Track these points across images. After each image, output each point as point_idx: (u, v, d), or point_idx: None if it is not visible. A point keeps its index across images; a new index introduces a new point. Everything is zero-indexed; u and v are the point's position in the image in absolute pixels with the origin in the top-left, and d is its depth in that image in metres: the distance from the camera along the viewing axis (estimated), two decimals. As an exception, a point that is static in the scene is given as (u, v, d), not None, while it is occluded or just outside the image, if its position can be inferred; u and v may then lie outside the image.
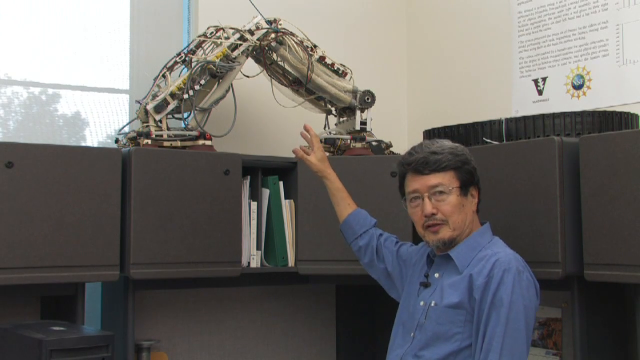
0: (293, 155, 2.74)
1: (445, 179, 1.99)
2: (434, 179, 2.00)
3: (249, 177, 2.61)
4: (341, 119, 2.87)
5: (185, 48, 2.71)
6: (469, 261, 1.98)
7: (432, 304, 1.99)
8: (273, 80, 2.78)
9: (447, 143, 2.06)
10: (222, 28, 2.63)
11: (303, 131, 2.41)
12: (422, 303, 2.03)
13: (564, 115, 2.34)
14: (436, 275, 2.05)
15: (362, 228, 2.32)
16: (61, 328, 2.05)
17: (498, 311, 1.86)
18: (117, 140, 2.66)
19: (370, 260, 2.31)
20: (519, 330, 1.86)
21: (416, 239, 2.34)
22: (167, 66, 2.64)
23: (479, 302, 1.90)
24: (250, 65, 2.74)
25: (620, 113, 2.37)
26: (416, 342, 2.00)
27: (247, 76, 2.76)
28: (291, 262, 2.65)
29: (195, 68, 2.52)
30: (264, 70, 2.75)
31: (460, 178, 2.01)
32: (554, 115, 2.35)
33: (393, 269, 2.26)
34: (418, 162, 2.01)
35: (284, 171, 2.70)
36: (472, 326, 1.91)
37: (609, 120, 2.33)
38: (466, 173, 2.02)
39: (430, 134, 2.69)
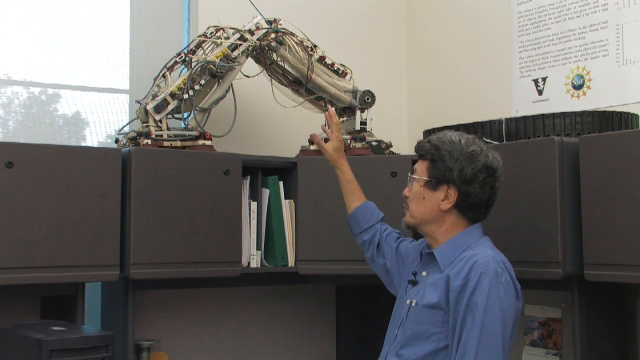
0: (293, 155, 2.76)
1: (421, 167, 2.04)
2: (417, 164, 2.07)
3: (249, 177, 2.61)
4: (341, 119, 2.87)
5: (185, 48, 2.71)
6: (451, 260, 1.97)
7: (414, 303, 1.98)
8: (273, 80, 2.78)
9: (450, 136, 2.02)
10: (222, 28, 2.63)
11: (327, 113, 2.38)
12: (407, 301, 2.03)
13: (564, 115, 2.34)
14: (423, 273, 2.05)
15: (367, 222, 2.32)
16: (61, 328, 2.05)
17: (473, 314, 1.84)
18: (117, 140, 2.66)
19: (372, 255, 2.30)
20: (494, 333, 1.83)
21: (416, 238, 2.34)
22: (167, 66, 2.64)
23: (454, 305, 1.88)
24: (250, 65, 2.74)
25: (620, 113, 2.37)
26: (398, 340, 1.99)
27: (247, 76, 2.76)
28: (291, 262, 2.65)
29: (195, 68, 2.52)
30: (264, 70, 2.75)
31: (432, 172, 2.01)
32: (554, 115, 2.36)
33: (392, 265, 2.24)
34: (415, 145, 2.09)
35: (284, 171, 2.70)
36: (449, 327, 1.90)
37: (609, 120, 2.33)
38: (438, 170, 1.99)
39: (430, 134, 2.69)
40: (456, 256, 1.97)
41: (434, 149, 2.01)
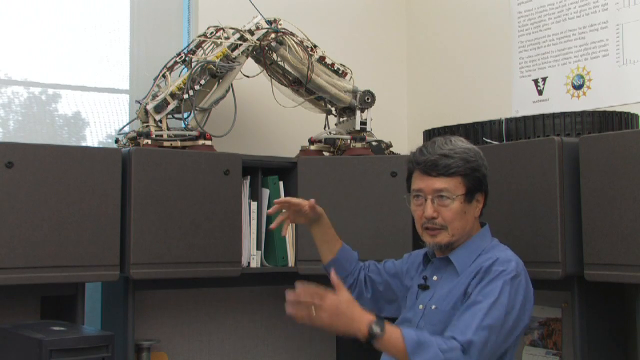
0: (293, 155, 2.76)
1: (451, 185, 1.95)
2: (439, 182, 1.96)
3: (249, 177, 2.61)
4: (341, 119, 2.87)
5: (185, 48, 2.71)
6: (468, 264, 1.97)
7: (433, 307, 1.97)
8: (273, 80, 2.78)
9: (460, 144, 2.00)
10: (222, 28, 2.63)
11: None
12: (420, 307, 2.02)
13: (564, 115, 2.34)
14: (434, 277, 2.04)
15: (351, 264, 2.25)
16: (61, 328, 2.05)
17: (487, 293, 1.85)
18: (117, 140, 2.66)
19: (357, 296, 2.21)
20: (502, 305, 1.83)
21: (416, 240, 2.34)
22: (167, 66, 2.64)
23: (470, 292, 1.89)
24: (250, 65, 2.74)
25: (620, 113, 2.37)
26: None
27: (247, 76, 2.76)
28: (291, 262, 2.65)
29: (195, 68, 2.52)
30: (264, 70, 2.75)
31: (467, 185, 1.96)
32: (554, 115, 2.36)
33: (385, 289, 2.22)
34: (427, 164, 1.97)
35: (284, 171, 2.70)
36: None
37: (609, 120, 2.33)
38: (474, 180, 1.97)
39: (430, 134, 2.69)
40: (473, 260, 1.97)
41: (464, 163, 1.96)
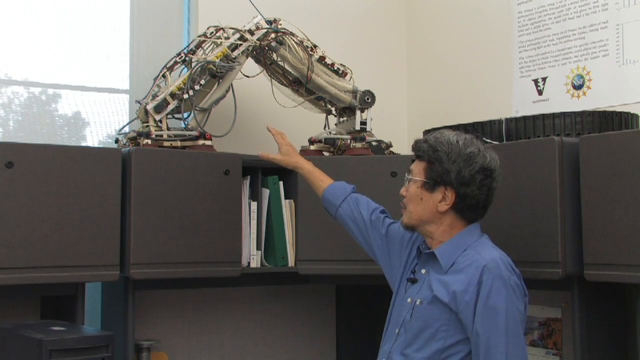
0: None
1: (416, 168, 2.02)
2: (414, 164, 2.05)
3: (249, 177, 2.61)
4: (341, 119, 2.87)
5: (185, 48, 2.71)
6: (452, 260, 1.95)
7: (418, 302, 1.97)
8: (273, 80, 2.78)
9: (448, 136, 2.00)
10: (222, 28, 2.63)
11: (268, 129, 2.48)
12: (408, 300, 2.01)
13: (564, 115, 2.34)
14: (422, 271, 2.04)
15: (339, 198, 2.30)
16: (61, 328, 2.05)
17: (494, 319, 1.84)
18: (117, 140, 2.66)
19: (358, 231, 2.26)
20: (518, 337, 1.86)
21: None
22: (167, 66, 2.64)
23: (472, 310, 1.87)
24: (250, 65, 2.74)
25: (620, 113, 2.37)
26: (401, 339, 1.98)
27: (247, 76, 2.76)
28: (291, 262, 2.65)
29: (195, 68, 2.52)
30: (264, 70, 2.75)
31: (428, 173, 1.98)
32: (554, 115, 2.35)
33: (381, 252, 2.22)
34: (413, 145, 2.07)
35: (284, 171, 2.69)
36: (458, 324, 1.89)
37: (609, 120, 2.33)
38: (435, 171, 1.97)
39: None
40: (457, 255, 1.96)
41: (431, 150, 1.98)
